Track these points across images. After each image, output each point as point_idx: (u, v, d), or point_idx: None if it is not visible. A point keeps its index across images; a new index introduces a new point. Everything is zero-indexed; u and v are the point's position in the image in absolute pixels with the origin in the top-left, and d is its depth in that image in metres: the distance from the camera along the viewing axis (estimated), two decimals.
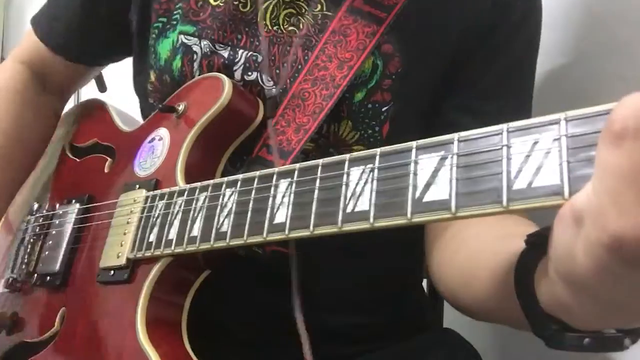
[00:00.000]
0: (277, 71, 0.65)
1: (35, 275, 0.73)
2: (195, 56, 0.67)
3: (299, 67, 0.64)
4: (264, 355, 0.68)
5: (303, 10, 0.66)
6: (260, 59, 0.65)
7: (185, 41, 0.68)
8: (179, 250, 0.55)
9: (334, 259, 0.66)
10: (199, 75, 0.67)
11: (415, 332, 0.72)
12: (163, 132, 0.68)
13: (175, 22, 0.69)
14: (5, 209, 0.81)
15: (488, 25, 0.66)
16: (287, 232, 0.47)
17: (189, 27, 0.68)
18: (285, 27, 0.66)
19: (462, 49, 0.65)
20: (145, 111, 0.78)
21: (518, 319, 0.40)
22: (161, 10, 0.70)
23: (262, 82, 0.66)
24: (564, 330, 0.37)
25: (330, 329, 0.66)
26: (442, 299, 0.91)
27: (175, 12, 0.69)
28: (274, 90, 0.65)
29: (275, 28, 0.66)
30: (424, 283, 0.92)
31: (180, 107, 0.66)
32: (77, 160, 0.82)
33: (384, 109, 0.64)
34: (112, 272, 0.62)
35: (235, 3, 0.67)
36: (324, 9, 0.65)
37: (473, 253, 0.57)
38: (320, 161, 0.47)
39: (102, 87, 1.07)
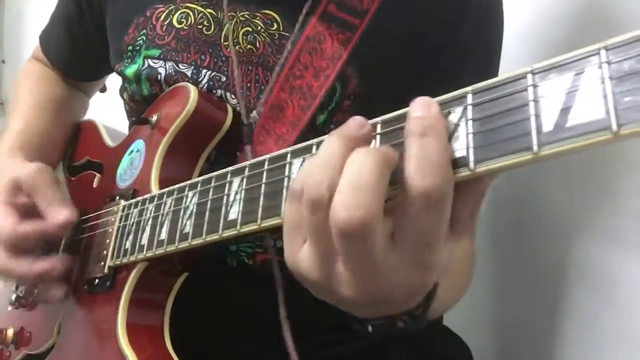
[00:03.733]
0: (241, 91, 0.66)
1: (36, 290, 0.76)
2: (159, 76, 0.69)
3: (262, 87, 0.66)
4: (252, 352, 0.69)
5: (259, 28, 0.67)
6: (224, 79, 0.67)
7: (152, 64, 0.70)
8: (150, 254, 0.57)
9: None
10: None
11: None
12: (140, 144, 0.70)
13: (139, 48, 0.72)
14: (58, 159, 0.87)
15: (449, 30, 0.66)
16: (238, 227, 0.49)
17: (155, 50, 0.70)
18: (244, 45, 0.67)
19: (424, 58, 0.66)
20: (129, 129, 0.81)
21: None
22: (129, 40, 0.73)
23: (227, 100, 0.67)
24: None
25: (316, 322, 0.67)
26: None
27: (139, 38, 0.72)
28: (237, 108, 0.66)
29: (237, 48, 0.67)
30: None
31: (154, 118, 0.68)
32: (72, 178, 0.85)
33: None
34: (96, 281, 0.64)
35: (200, 27, 0.69)
36: (281, 29, 0.66)
37: None
38: (267, 156, 0.49)
39: (102, 88, 1.11)
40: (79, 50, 0.89)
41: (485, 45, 0.68)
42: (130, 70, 0.71)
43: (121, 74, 0.73)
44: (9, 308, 0.82)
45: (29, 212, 0.68)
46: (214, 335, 0.67)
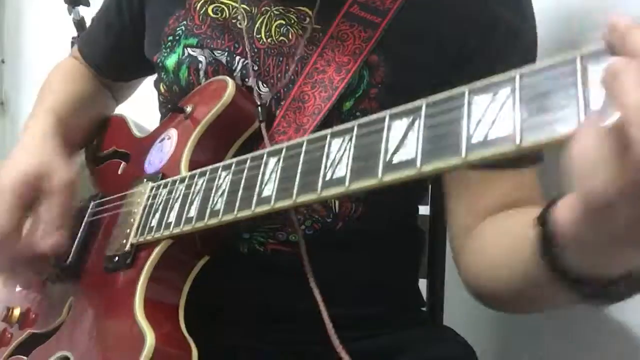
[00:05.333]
0: (272, 81, 0.69)
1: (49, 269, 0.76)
2: (200, 65, 0.72)
3: (292, 77, 0.68)
4: (258, 346, 0.69)
5: (292, 22, 0.70)
6: (255, 68, 0.70)
7: (191, 52, 0.73)
8: (177, 230, 0.58)
9: (329, 260, 0.68)
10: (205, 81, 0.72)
11: (408, 325, 0.73)
12: (172, 132, 0.72)
13: (178, 37, 0.74)
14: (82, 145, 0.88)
15: (476, 41, 0.67)
16: (272, 203, 0.50)
17: (193, 39, 0.73)
18: (277, 37, 0.70)
19: (451, 62, 0.68)
20: (161, 121, 0.83)
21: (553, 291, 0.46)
22: (169, 31, 0.76)
23: (259, 88, 0.69)
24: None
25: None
26: (442, 300, 0.92)
27: (178, 29, 0.75)
28: (268, 97, 0.69)
29: (269, 40, 0.70)
30: (424, 283, 0.94)
31: (188, 109, 0.70)
32: (97, 167, 0.87)
33: None
34: (116, 258, 0.65)
35: (234, 21, 0.72)
36: (313, 22, 0.69)
37: (495, 245, 0.60)
38: (305, 137, 0.50)
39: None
40: (115, 48, 0.90)
41: (520, 51, 0.69)
42: (171, 61, 0.74)
43: (160, 64, 0.75)
44: (18, 288, 0.82)
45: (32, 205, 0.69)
46: (215, 321, 0.68)
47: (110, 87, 0.97)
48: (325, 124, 0.66)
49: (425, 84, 0.67)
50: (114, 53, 0.91)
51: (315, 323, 0.61)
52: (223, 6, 0.73)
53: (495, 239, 0.61)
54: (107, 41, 0.91)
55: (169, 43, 0.75)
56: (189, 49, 0.73)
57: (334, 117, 0.67)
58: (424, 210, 0.95)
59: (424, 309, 0.80)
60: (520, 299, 0.58)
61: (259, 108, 0.68)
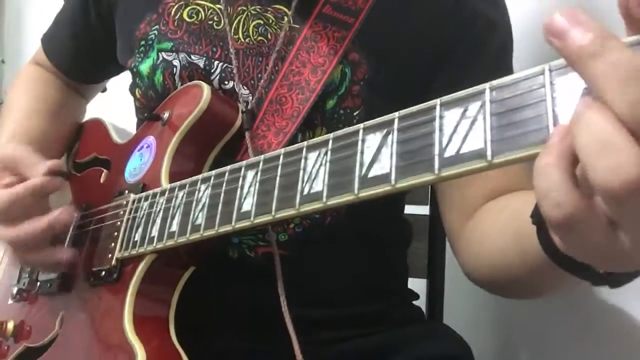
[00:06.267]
0: (252, 82, 0.68)
1: (38, 283, 0.76)
2: (175, 69, 0.71)
3: (272, 77, 0.68)
4: (252, 350, 0.70)
5: (270, 21, 0.69)
6: (235, 70, 0.69)
7: (165, 57, 0.72)
8: (160, 246, 0.58)
9: (320, 258, 0.68)
10: (181, 86, 0.71)
11: (401, 323, 0.73)
12: (150, 140, 0.71)
13: (151, 42, 0.73)
14: None
15: (455, 35, 0.68)
16: (252, 218, 0.50)
17: (167, 43, 0.72)
18: (254, 37, 0.69)
19: (431, 58, 0.68)
20: (138, 127, 0.82)
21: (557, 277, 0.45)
22: (141, 35, 0.74)
23: (239, 91, 0.69)
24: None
25: (316, 319, 0.68)
26: (442, 299, 0.92)
27: (151, 33, 0.73)
28: (250, 98, 0.68)
29: (247, 40, 0.69)
30: (424, 284, 0.94)
31: (165, 115, 0.69)
32: (78, 175, 0.86)
33: (355, 114, 0.67)
34: (103, 273, 0.65)
35: (210, 22, 0.71)
36: (291, 22, 0.68)
37: (492, 233, 0.60)
38: (282, 150, 0.50)
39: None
40: (82, 51, 0.89)
41: (498, 42, 0.69)
42: (145, 66, 0.72)
43: (134, 69, 0.74)
44: (10, 301, 0.82)
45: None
46: (208, 328, 0.68)
47: (78, 88, 0.95)
48: (307, 123, 0.66)
49: (408, 79, 0.67)
50: (82, 56, 0.89)
51: (307, 325, 0.62)
52: (199, 8, 0.72)
53: (493, 227, 0.61)
54: (74, 45, 0.89)
55: (142, 48, 0.74)
56: (163, 53, 0.72)
57: (317, 115, 0.66)
58: (423, 210, 0.94)
59: (415, 302, 0.81)
60: (519, 284, 0.58)
61: (244, 115, 0.67)
